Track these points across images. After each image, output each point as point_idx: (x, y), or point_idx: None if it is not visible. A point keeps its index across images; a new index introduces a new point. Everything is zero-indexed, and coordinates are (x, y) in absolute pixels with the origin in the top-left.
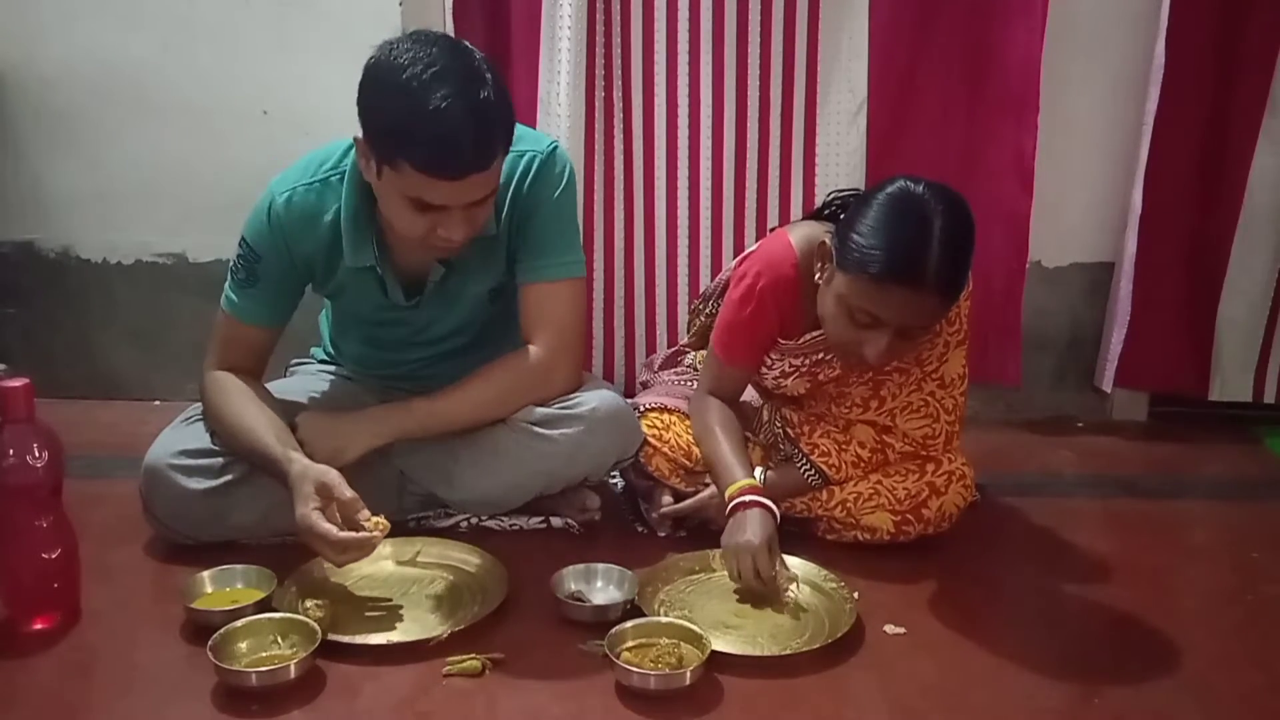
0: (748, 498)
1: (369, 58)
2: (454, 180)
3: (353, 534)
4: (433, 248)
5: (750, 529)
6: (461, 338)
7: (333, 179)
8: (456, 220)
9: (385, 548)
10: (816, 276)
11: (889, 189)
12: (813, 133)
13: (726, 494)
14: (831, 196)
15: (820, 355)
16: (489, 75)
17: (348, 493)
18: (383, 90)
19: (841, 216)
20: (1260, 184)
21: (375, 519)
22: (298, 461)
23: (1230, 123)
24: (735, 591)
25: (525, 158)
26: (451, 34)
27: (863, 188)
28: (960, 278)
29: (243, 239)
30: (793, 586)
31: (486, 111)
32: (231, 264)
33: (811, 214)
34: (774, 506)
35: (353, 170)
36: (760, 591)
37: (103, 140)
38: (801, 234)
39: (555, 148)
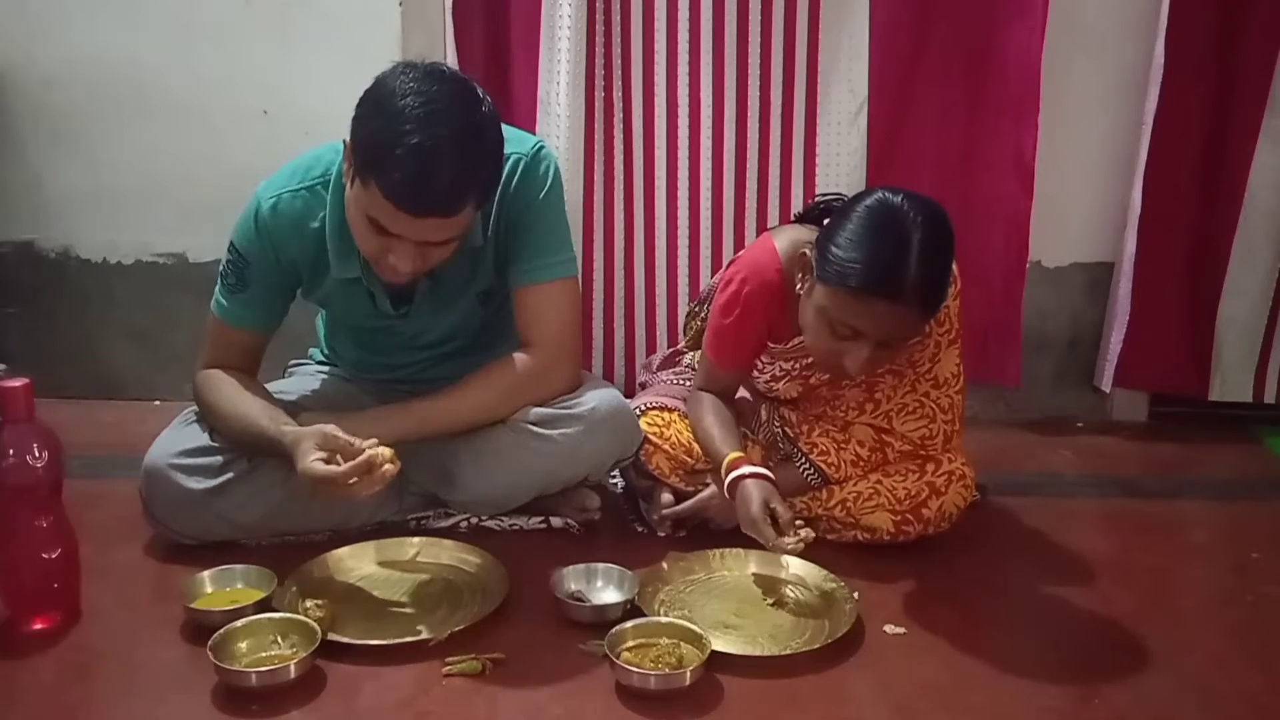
0: (738, 472)
1: (382, 70)
2: (414, 216)
3: (353, 462)
4: (383, 269)
5: (747, 502)
6: (456, 342)
7: (318, 187)
8: (408, 251)
9: (384, 549)
10: (797, 288)
11: (867, 201)
12: (813, 133)
13: (721, 473)
14: (817, 200)
15: (810, 359)
16: (487, 131)
17: (345, 436)
18: (376, 108)
19: (825, 223)
20: (1260, 184)
21: (375, 447)
22: (289, 432)
23: (1230, 123)
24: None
25: (509, 161)
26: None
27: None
28: (940, 289)
29: (231, 244)
30: (793, 589)
31: (468, 164)
32: (221, 268)
33: (798, 217)
34: (763, 471)
35: (337, 179)
36: (790, 549)
37: (102, 140)
38: (787, 238)
39: (540, 148)
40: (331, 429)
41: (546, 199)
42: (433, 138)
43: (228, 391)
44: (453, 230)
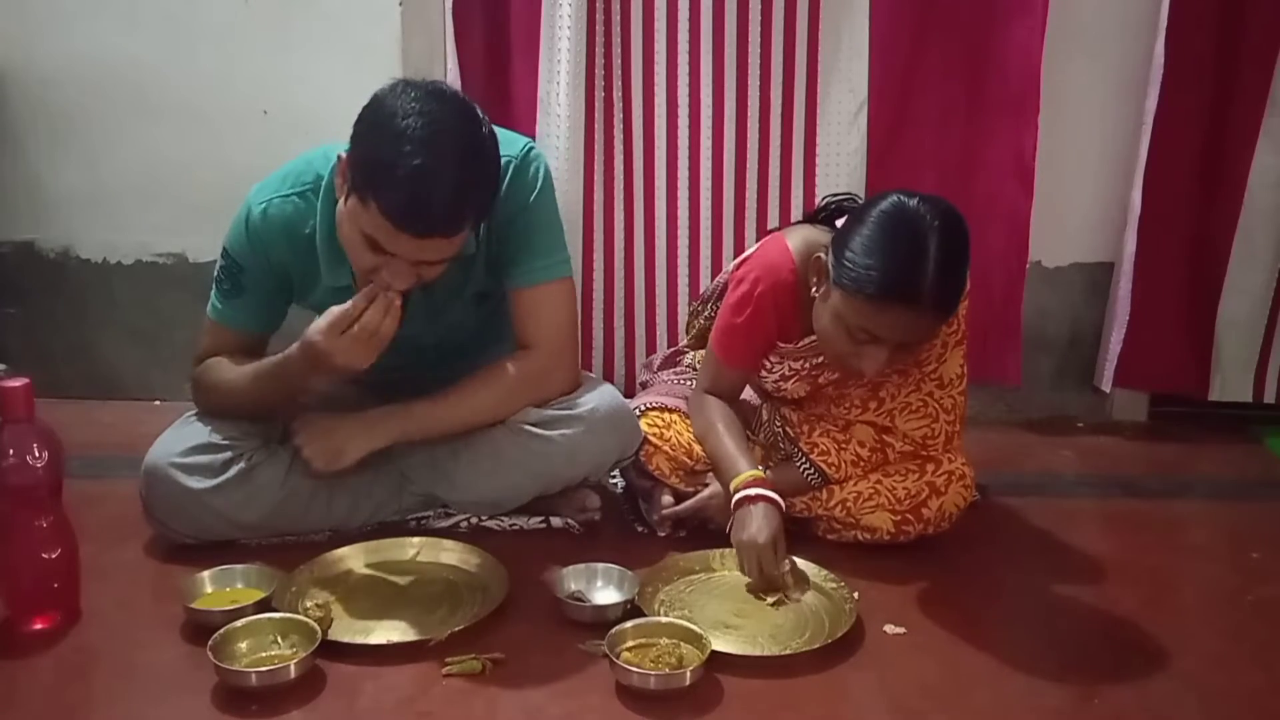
0: (752, 491)
1: (382, 86)
2: (415, 237)
3: (361, 299)
4: (373, 282)
5: (755, 524)
6: (452, 344)
7: (309, 193)
8: (403, 270)
9: (384, 549)
10: (812, 291)
11: (882, 205)
12: (813, 133)
13: (731, 487)
14: (827, 200)
15: (820, 359)
16: (487, 152)
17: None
18: (377, 127)
19: (837, 223)
20: (1260, 184)
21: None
22: (295, 345)
23: (1230, 123)
24: (747, 587)
25: (500, 164)
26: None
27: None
28: (956, 293)
29: (224, 249)
30: (800, 592)
31: (470, 186)
32: (215, 273)
33: (809, 217)
34: (778, 499)
35: (328, 187)
36: (770, 584)
37: (102, 140)
38: (799, 238)
39: (528, 150)
40: (336, 309)
41: (538, 200)
42: (436, 159)
43: (227, 365)
44: (452, 250)
